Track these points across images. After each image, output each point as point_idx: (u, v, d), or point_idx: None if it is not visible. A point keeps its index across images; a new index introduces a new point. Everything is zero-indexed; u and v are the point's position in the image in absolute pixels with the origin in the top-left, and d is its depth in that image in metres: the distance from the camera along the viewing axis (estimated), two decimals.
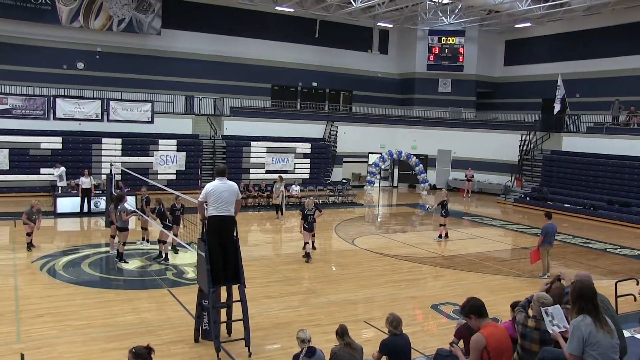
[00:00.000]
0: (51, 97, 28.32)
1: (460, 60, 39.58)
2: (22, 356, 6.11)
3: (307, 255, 16.07)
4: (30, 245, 15.94)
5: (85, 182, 22.75)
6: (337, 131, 34.97)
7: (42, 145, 27.52)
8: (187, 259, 15.45)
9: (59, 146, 27.84)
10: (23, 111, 27.63)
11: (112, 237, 16.12)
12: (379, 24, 39.26)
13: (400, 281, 14.31)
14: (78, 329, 10.18)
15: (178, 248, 16.44)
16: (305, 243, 16.28)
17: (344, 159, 35.79)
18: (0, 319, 10.54)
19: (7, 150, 26.66)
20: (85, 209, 22.63)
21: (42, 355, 8.72)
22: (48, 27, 30.74)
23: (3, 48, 29.86)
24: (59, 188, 24.01)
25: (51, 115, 28.10)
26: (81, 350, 9.26)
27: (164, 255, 15.41)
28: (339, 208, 27.04)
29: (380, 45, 41.20)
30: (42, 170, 26.97)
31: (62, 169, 24.74)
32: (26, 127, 27.47)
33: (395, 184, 38.03)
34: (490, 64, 40.83)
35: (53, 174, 24.78)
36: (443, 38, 39.63)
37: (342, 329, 7.09)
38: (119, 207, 15.10)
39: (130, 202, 17.63)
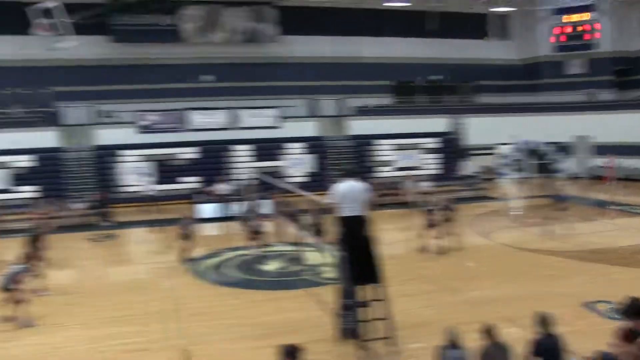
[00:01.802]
0: (184, 110, 30.06)
1: (592, 37, 37.12)
2: (185, 351, 6.59)
3: (424, 250, 15.99)
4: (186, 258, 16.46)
5: (222, 188, 23.89)
6: (462, 124, 34.17)
7: (180, 156, 29.28)
8: (324, 259, 15.80)
9: (197, 156, 29.49)
10: (162, 125, 29.57)
11: (252, 239, 16.84)
12: (495, 9, 37.76)
13: (543, 277, 13.70)
14: (229, 327, 10.80)
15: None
16: (431, 239, 16.12)
17: (473, 152, 34.85)
18: (164, 317, 11.49)
19: (152, 162, 28.65)
20: (224, 214, 23.78)
21: (200, 352, 9.32)
22: (177, 45, 32.71)
23: (140, 69, 32.11)
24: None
25: (186, 127, 29.79)
26: (233, 347, 9.83)
27: (301, 256, 15.89)
28: (470, 202, 26.39)
29: (498, 31, 39.75)
30: (182, 180, 28.71)
31: (227, 184, 25.99)
32: (165, 140, 29.35)
33: (529, 174, 36.44)
34: (626, 38, 37.91)
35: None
36: (570, 16, 37.41)
37: (488, 328, 6.95)
38: (256, 211, 15.80)
39: (265, 206, 18.40)
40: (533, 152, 34.12)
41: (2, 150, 27.27)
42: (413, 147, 32.72)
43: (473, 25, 38.89)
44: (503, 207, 26.23)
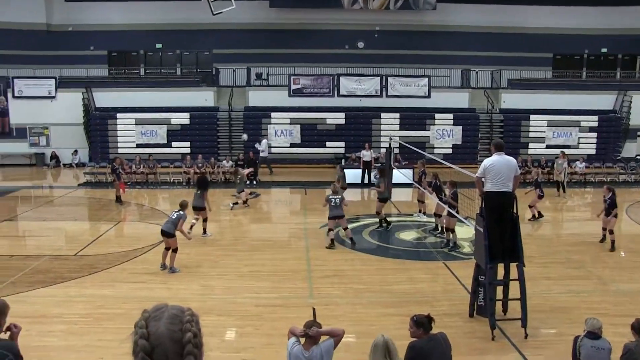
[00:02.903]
0: (335, 76, 30.41)
1: None
2: (314, 310, 6.74)
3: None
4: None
5: (366, 155, 24.00)
6: (630, 101, 31.45)
7: (328, 121, 29.77)
8: (463, 233, 15.36)
9: (342, 121, 29.83)
10: (311, 90, 30.15)
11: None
12: None
13: None
14: (359, 292, 10.89)
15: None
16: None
17: (639, 133, 32.04)
18: (296, 276, 11.84)
19: (299, 125, 29.44)
20: (366, 181, 23.88)
21: (328, 312, 9.48)
22: (332, 11, 32.89)
23: (294, 34, 32.77)
24: (262, 159, 25.89)
25: (335, 93, 30.20)
26: (361, 312, 9.90)
27: (440, 229, 15.59)
28: (631, 187, 24.48)
29: None
30: (328, 144, 29.26)
31: (265, 141, 26.71)
32: (314, 104, 29.95)
33: None
34: None
35: (258, 147, 26.46)
36: None
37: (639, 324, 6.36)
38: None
39: (407, 174, 18.24)
40: None
41: (162, 107, 29.27)
42: (570, 124, 30.64)
43: None
44: None
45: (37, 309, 9.67)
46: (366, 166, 23.97)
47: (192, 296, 10.42)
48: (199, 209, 15.01)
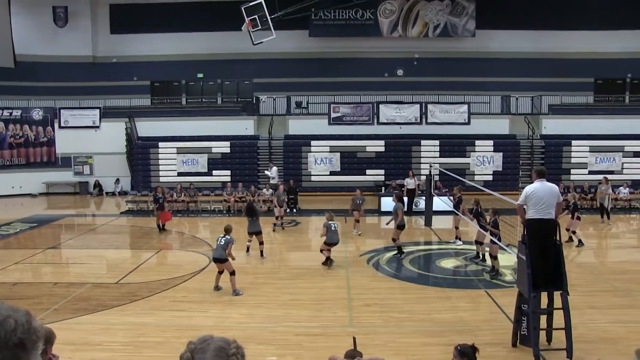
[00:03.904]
0: (375, 104, 30.54)
1: None
2: (354, 339, 6.66)
3: None
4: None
5: (410, 183, 23.86)
6: None
7: (368, 149, 29.82)
8: (505, 261, 15.07)
9: (382, 149, 29.85)
10: (351, 118, 30.31)
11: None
12: None
13: None
14: (400, 321, 10.73)
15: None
16: None
17: None
18: (337, 304, 11.74)
19: (339, 153, 29.56)
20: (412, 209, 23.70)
21: (369, 341, 9.35)
22: (371, 39, 33.16)
23: (334, 63, 33.08)
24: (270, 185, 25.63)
25: (375, 121, 30.31)
26: (402, 341, 9.74)
27: (481, 256, 15.35)
28: None
29: None
30: (368, 172, 29.28)
31: (275, 168, 26.58)
32: (354, 132, 30.05)
33: None
34: None
35: (269, 174, 26.37)
36: None
37: None
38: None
39: (447, 201, 18.10)
40: None
41: (203, 136, 29.76)
42: (613, 149, 30.08)
43: None
44: None
45: (80, 337, 9.78)
46: (410, 194, 23.80)
47: (232, 324, 10.42)
48: (254, 233, 15.90)
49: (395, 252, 15.89)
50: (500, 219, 13.92)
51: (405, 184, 24.34)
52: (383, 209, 23.38)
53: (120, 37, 33.49)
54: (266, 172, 26.97)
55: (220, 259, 12.33)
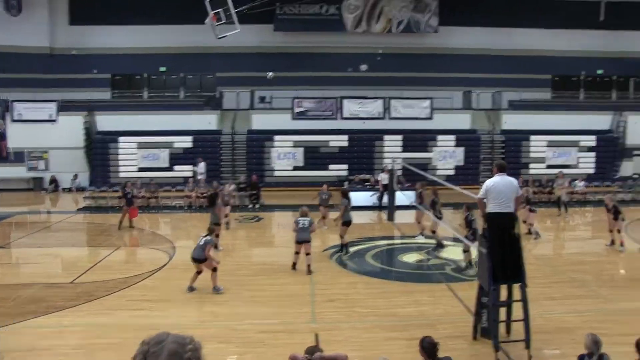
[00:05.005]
0: (338, 99, 30.53)
1: None
2: (317, 335, 6.61)
3: None
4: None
5: (385, 178, 23.94)
6: (626, 122, 31.58)
7: (331, 144, 29.81)
8: (467, 254, 15.20)
9: (346, 144, 29.85)
10: (315, 113, 30.26)
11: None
12: None
13: None
14: (363, 316, 10.73)
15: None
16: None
17: (635, 152, 32.04)
18: (299, 300, 11.67)
19: (303, 148, 29.46)
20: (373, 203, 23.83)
21: (332, 337, 9.31)
22: (335, 34, 33.12)
23: (298, 58, 32.91)
24: (199, 181, 25.74)
25: (338, 115, 30.31)
26: (365, 336, 9.74)
27: (439, 243, 15.77)
28: (629, 206, 24.27)
29: None
30: (331, 167, 29.25)
31: (203, 164, 26.67)
32: (317, 127, 29.99)
33: None
34: None
35: (196, 170, 26.53)
36: None
37: None
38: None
39: (409, 196, 18.23)
40: None
41: (165, 131, 29.33)
42: (569, 144, 30.76)
43: None
44: None
45: (26, 342, 9.38)
46: (385, 189, 23.87)
47: (193, 323, 10.25)
48: (212, 223, 15.52)
49: (340, 249, 15.75)
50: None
51: (379, 179, 24.44)
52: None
53: (80, 29, 32.68)
54: (194, 167, 26.80)
55: (199, 260, 12.09)
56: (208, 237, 12.35)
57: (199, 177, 26.56)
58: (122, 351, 8.51)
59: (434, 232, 16.55)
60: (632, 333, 7.28)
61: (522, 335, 8.79)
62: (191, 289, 12.17)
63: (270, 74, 25.94)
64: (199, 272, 12.21)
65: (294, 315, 10.79)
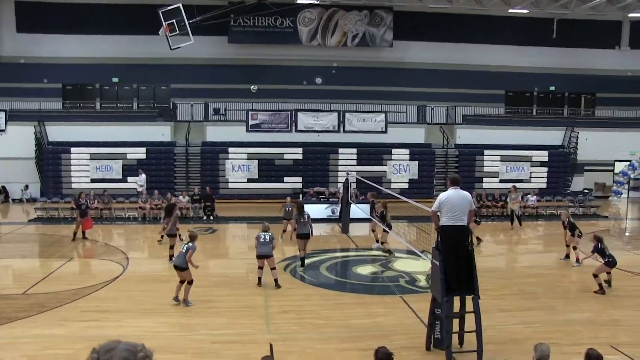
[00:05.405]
0: (293, 112, 30.67)
1: None
2: (271, 346, 6.65)
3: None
4: None
5: (335, 190, 24.17)
6: (577, 137, 32.60)
7: (286, 156, 29.87)
8: (420, 267, 15.48)
9: (300, 157, 29.97)
10: (269, 125, 30.29)
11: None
12: (631, 15, 34.98)
13: None
14: (317, 327, 10.78)
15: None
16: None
17: (586, 168, 33.14)
18: (254, 312, 11.66)
19: (257, 160, 29.46)
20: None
21: (286, 348, 9.36)
22: (290, 47, 33.36)
23: (252, 70, 32.97)
24: (139, 194, 25.76)
25: (293, 128, 30.42)
26: (320, 347, 9.79)
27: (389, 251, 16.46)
28: (579, 220, 24.94)
29: (631, 39, 36.81)
30: (285, 179, 29.32)
31: (144, 176, 26.68)
32: (272, 140, 30.04)
33: None
34: None
35: (136, 181, 26.60)
36: None
37: (594, 355, 6.47)
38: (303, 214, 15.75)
39: (364, 209, 18.42)
40: None
41: (118, 142, 28.96)
42: (522, 159, 31.59)
43: (603, 34, 36.28)
44: (616, 227, 24.79)
45: None
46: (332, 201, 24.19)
47: (147, 334, 10.12)
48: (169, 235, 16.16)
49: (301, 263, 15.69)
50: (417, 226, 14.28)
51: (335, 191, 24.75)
52: None
53: (29, 37, 32.07)
54: (135, 179, 26.60)
55: (181, 267, 11.90)
56: (190, 244, 12.15)
57: (139, 189, 26.24)
58: None
59: (382, 243, 17.08)
60: (582, 343, 7.54)
61: (474, 346, 8.95)
62: (177, 299, 12.01)
63: (254, 87, 26.01)
64: (182, 282, 12.02)
65: (249, 326, 10.78)
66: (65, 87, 33.22)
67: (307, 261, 15.64)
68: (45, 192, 28.43)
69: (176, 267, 12.08)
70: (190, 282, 11.97)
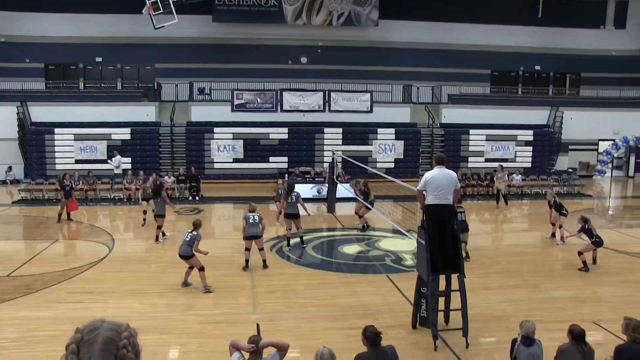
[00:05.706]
0: (278, 91, 30.51)
1: None
2: (258, 326, 6.68)
3: None
4: None
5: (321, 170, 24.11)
6: (562, 117, 32.75)
7: (271, 136, 29.76)
8: (406, 245, 15.56)
9: (286, 136, 29.87)
10: (255, 105, 30.13)
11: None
12: None
13: (638, 282, 12.85)
14: (303, 307, 10.86)
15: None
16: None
17: (570, 147, 33.33)
18: (240, 291, 11.73)
19: (242, 140, 29.33)
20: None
21: (273, 327, 9.39)
22: (275, 26, 33.04)
23: (237, 49, 32.74)
24: (115, 175, 25.70)
25: (278, 108, 30.27)
26: (306, 326, 9.87)
27: (362, 227, 17.13)
28: (564, 199, 25.08)
29: (616, 19, 36.63)
30: (271, 159, 29.25)
31: (118, 157, 26.42)
32: (257, 119, 29.90)
33: (631, 173, 34.52)
34: None
35: (111, 162, 26.39)
36: None
37: (577, 331, 6.55)
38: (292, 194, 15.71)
39: (350, 189, 18.47)
40: (638, 149, 32.39)
41: (102, 122, 28.69)
42: (507, 138, 31.71)
43: (589, 13, 36.02)
44: (599, 205, 25.05)
45: None
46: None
47: (133, 315, 10.13)
48: (156, 215, 16.16)
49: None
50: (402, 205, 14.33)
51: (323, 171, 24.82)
52: None
53: (8, 15, 31.33)
54: (109, 161, 26.49)
55: (185, 256, 11.77)
56: (194, 232, 11.96)
57: (116, 170, 26.02)
58: (61, 343, 8.26)
59: (360, 216, 17.45)
60: (565, 319, 7.65)
61: (460, 324, 9.06)
62: (185, 283, 11.93)
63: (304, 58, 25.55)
64: (191, 268, 11.88)
65: (235, 306, 10.84)
66: (47, 67, 32.72)
67: (292, 241, 15.65)
68: (29, 173, 28.14)
69: (181, 256, 11.88)
70: (202, 269, 11.70)
